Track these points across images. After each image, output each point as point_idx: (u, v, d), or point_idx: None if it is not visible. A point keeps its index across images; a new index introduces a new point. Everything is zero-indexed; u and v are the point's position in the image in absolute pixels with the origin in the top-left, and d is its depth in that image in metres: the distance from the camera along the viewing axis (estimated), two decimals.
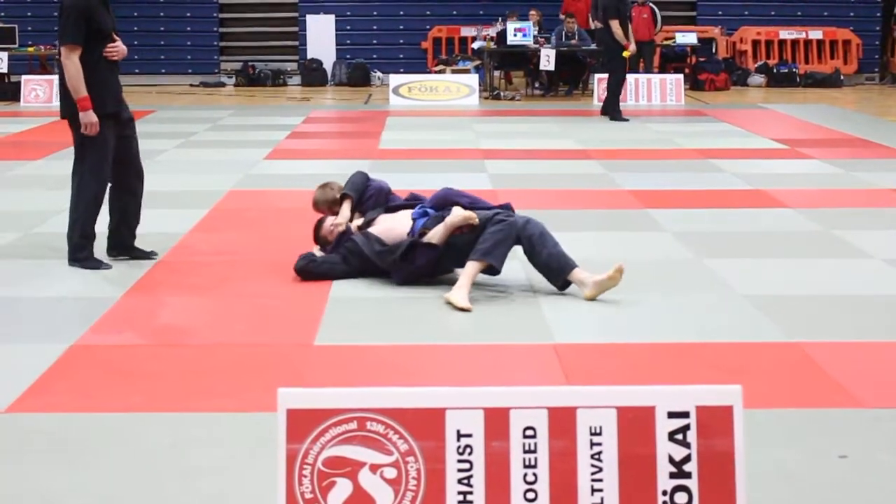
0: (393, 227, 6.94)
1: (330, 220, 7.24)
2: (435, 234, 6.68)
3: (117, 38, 7.30)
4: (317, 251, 7.18)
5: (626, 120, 16.56)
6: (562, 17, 21.44)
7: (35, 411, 4.76)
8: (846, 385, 5.10)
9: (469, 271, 6.48)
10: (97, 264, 7.29)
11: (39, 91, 19.24)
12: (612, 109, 16.89)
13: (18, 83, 19.65)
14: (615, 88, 16.97)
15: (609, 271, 6.48)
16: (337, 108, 19.57)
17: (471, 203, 6.94)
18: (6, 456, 4.28)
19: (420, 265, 6.70)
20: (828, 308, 6.44)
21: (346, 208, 7.26)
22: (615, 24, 16.46)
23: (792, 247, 8.03)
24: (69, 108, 7.21)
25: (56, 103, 18.48)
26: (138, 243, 7.57)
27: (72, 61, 7.05)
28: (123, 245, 7.51)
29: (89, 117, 7.10)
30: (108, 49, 7.20)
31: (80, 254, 7.30)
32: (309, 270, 6.94)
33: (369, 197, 7.32)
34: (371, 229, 6.96)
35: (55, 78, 19.45)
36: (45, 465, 4.19)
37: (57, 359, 5.44)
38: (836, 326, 6.06)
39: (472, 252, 6.50)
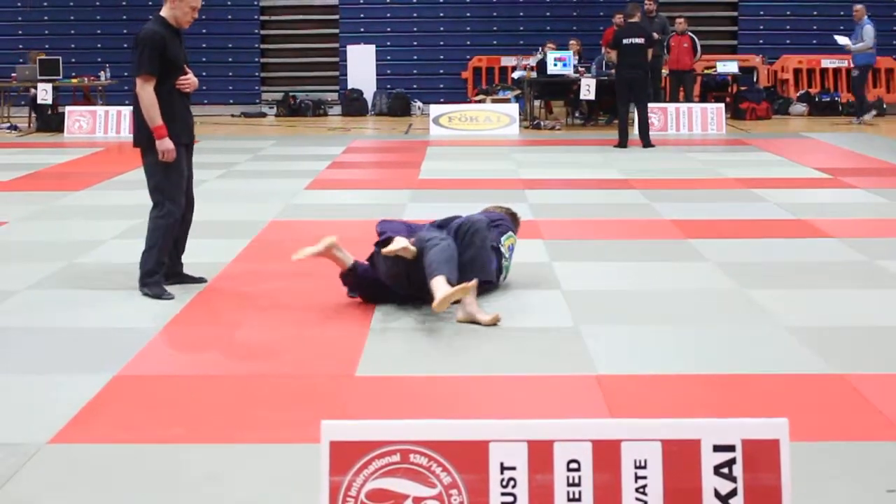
0: None
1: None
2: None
3: (189, 70, 7.45)
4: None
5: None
6: (602, 47, 21.48)
7: (78, 442, 4.77)
8: (893, 418, 5.03)
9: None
10: (160, 292, 7.35)
11: (83, 122, 19.43)
12: (648, 137, 16.99)
13: (62, 114, 19.87)
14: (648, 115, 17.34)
15: (489, 316, 6.60)
16: (377, 138, 19.63)
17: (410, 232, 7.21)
18: (50, 488, 4.28)
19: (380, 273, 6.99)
20: (873, 339, 6.36)
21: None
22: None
23: (836, 277, 7.96)
24: (143, 138, 7.34)
25: (99, 134, 19.01)
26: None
27: (146, 91, 7.21)
28: (173, 272, 7.61)
29: (165, 145, 7.24)
30: (181, 81, 7.37)
31: (150, 279, 7.41)
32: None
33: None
34: None
35: (98, 109, 19.74)
36: (88, 497, 4.20)
37: (99, 390, 5.46)
38: (883, 358, 5.99)
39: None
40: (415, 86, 24.73)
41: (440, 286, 6.49)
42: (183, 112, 7.46)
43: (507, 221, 7.62)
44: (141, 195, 11.61)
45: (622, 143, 16.91)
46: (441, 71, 25.10)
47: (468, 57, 24.92)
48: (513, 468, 2.90)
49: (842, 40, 20.86)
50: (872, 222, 10.25)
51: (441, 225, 7.25)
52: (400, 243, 6.70)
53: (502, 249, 7.35)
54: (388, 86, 24.54)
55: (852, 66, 21.26)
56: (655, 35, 20.10)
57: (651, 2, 20.93)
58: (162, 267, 7.43)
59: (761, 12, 25.24)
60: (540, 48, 21.84)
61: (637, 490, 2.91)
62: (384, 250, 6.76)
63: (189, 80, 7.41)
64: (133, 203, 11.28)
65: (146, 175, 7.49)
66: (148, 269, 7.40)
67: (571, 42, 21.95)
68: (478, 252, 6.90)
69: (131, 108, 7.49)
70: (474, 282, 6.60)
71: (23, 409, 5.23)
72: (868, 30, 20.49)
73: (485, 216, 7.37)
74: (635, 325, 6.64)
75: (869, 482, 4.29)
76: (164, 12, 7.34)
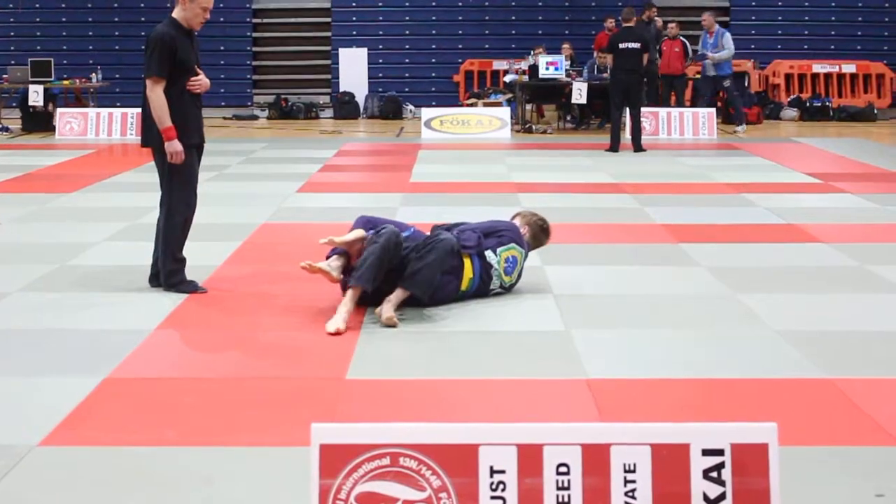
0: None
1: None
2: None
3: (200, 71, 7.51)
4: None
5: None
6: (594, 51, 21.50)
7: (68, 445, 4.77)
8: (882, 422, 5.05)
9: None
10: (193, 287, 7.54)
11: (74, 124, 19.39)
12: (640, 141, 17.01)
13: (52, 115, 19.84)
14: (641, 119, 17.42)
15: (386, 316, 6.71)
16: (369, 141, 19.63)
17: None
18: (40, 490, 4.28)
19: None
20: (863, 344, 6.38)
21: None
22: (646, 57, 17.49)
23: (826, 282, 7.98)
24: (153, 138, 7.42)
25: (91, 136, 18.96)
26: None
27: (156, 93, 7.27)
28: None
29: (174, 146, 7.30)
30: (192, 82, 7.41)
31: (175, 278, 7.55)
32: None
33: None
34: None
35: (89, 111, 19.71)
36: (79, 499, 4.20)
37: (90, 392, 5.45)
38: (872, 363, 6.01)
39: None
40: (407, 89, 24.73)
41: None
42: (194, 113, 7.51)
43: (513, 233, 7.46)
44: (133, 197, 11.67)
45: (614, 147, 16.94)
46: (433, 74, 25.11)
47: (460, 60, 24.94)
48: (502, 472, 2.91)
49: (711, 54, 20.34)
50: (863, 227, 10.27)
51: (448, 229, 7.31)
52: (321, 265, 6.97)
53: (492, 261, 7.24)
54: (380, 89, 24.55)
55: (712, 74, 20.47)
56: (658, 24, 20.20)
57: (653, 8, 21.02)
58: (181, 265, 7.59)
59: (753, 17, 25.29)
60: (532, 52, 21.86)
61: (626, 494, 2.91)
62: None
63: (200, 82, 7.46)
64: (125, 205, 11.28)
65: (159, 174, 7.57)
66: (169, 270, 7.55)
67: (564, 46, 21.98)
68: (426, 266, 6.90)
69: (140, 108, 7.54)
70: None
71: (13, 411, 5.23)
72: (729, 37, 20.30)
73: (479, 227, 7.40)
74: (626, 329, 6.65)
75: (858, 486, 4.31)
76: (175, 14, 7.40)
